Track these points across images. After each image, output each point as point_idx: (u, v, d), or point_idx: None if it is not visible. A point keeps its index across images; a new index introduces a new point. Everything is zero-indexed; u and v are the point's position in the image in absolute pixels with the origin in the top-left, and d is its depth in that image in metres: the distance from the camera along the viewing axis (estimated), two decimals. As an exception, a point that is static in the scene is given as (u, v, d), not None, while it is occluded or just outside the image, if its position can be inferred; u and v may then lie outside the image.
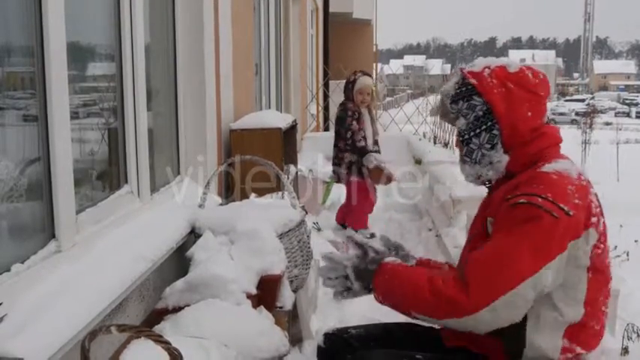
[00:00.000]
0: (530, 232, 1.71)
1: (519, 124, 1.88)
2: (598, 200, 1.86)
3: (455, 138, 2.08)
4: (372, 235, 5.07)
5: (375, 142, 5.39)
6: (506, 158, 1.90)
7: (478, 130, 1.92)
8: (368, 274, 1.93)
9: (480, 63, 1.97)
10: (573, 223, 1.73)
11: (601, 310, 1.86)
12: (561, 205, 1.72)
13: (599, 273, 1.82)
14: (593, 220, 1.78)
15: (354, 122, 5.15)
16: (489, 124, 1.90)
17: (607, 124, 27.76)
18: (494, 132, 1.89)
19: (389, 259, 1.95)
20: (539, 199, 1.73)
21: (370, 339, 2.14)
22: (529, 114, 1.88)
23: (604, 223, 1.85)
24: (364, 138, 5.17)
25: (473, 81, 1.92)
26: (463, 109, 1.95)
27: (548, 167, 1.83)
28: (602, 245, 1.82)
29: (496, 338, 1.84)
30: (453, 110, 1.97)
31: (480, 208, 2.04)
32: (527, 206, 1.74)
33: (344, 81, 5.36)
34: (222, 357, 1.82)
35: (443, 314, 1.74)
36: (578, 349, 1.82)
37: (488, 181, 1.98)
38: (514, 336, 1.78)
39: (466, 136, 1.95)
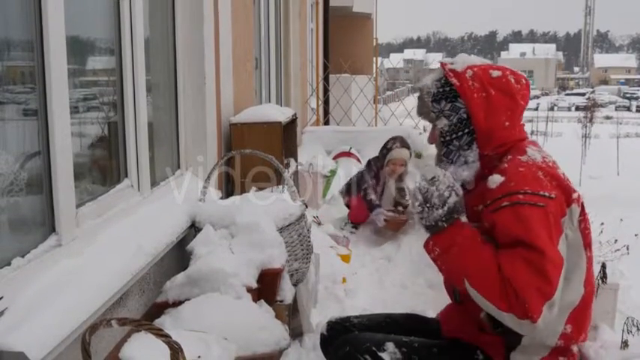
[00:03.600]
0: (529, 229, 1.67)
1: (495, 133, 1.85)
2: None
3: (429, 134, 1.99)
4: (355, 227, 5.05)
5: (397, 208, 5.02)
6: (478, 157, 1.87)
7: (460, 133, 1.88)
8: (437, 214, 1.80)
9: (461, 61, 1.89)
10: (559, 203, 1.73)
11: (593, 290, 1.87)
12: (541, 193, 1.71)
13: (589, 250, 1.82)
14: (574, 195, 1.78)
15: (372, 180, 4.99)
16: (471, 127, 1.86)
17: (607, 117, 27.74)
18: (473, 135, 1.87)
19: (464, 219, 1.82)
20: (520, 196, 1.70)
21: (372, 327, 2.14)
22: (507, 124, 1.84)
23: (579, 195, 1.83)
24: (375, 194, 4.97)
25: (454, 82, 1.86)
26: (446, 110, 1.89)
27: (512, 164, 1.79)
28: (584, 216, 1.82)
29: (494, 336, 1.85)
30: (434, 109, 1.91)
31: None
32: (512, 208, 1.71)
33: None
34: (222, 351, 1.82)
35: (505, 307, 1.65)
36: (576, 334, 1.82)
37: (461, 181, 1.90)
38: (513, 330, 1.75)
39: (447, 138, 1.90)
